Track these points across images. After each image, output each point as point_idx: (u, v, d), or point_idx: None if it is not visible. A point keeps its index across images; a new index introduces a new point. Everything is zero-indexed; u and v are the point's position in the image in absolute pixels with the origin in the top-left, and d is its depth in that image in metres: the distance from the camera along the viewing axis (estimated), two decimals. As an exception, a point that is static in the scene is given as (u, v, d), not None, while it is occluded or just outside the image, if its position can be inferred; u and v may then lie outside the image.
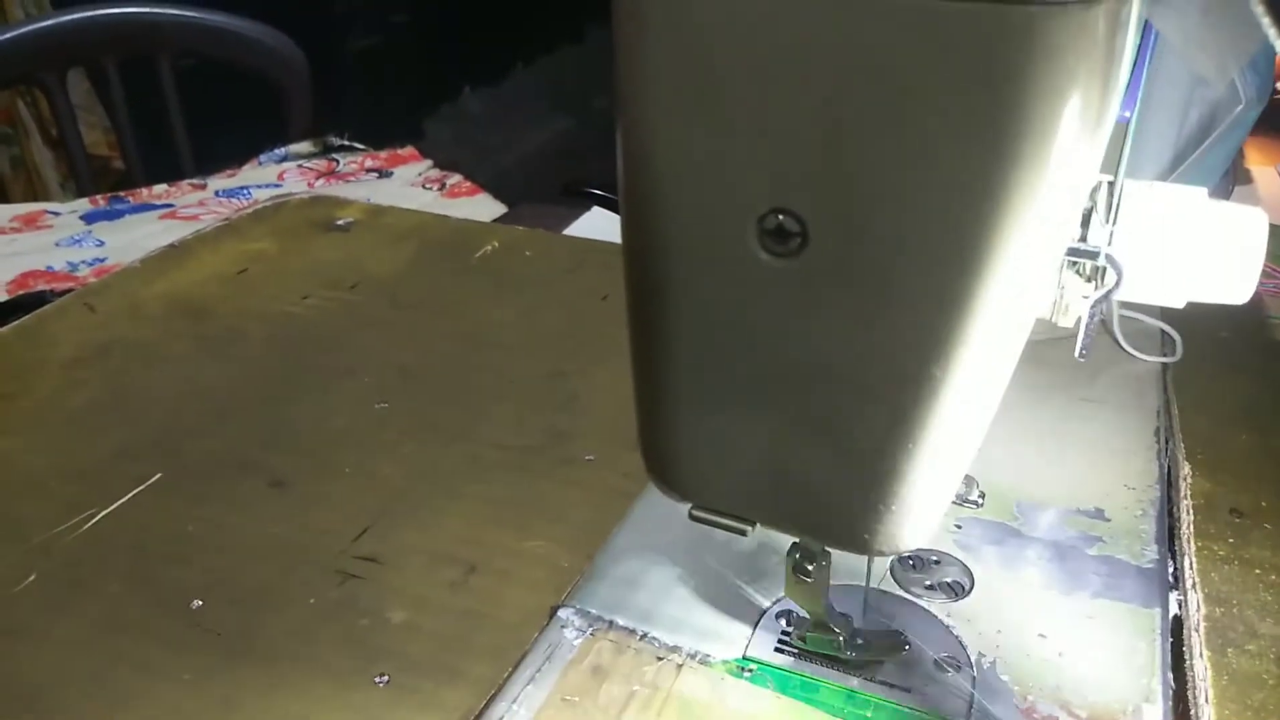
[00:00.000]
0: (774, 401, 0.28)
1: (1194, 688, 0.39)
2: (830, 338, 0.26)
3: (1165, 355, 0.60)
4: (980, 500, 0.35)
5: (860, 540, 0.29)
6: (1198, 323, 0.63)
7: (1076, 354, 0.32)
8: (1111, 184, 0.31)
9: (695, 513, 0.31)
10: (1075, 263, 0.31)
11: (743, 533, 0.30)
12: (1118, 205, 0.30)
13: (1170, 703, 0.39)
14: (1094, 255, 0.30)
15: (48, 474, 0.55)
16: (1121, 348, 0.60)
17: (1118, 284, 0.30)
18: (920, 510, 0.28)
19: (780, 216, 0.25)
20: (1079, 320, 0.32)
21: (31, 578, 0.47)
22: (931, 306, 0.25)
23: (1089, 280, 0.31)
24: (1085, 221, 0.31)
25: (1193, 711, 0.39)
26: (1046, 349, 0.60)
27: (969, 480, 0.35)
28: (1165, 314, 0.63)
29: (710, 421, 0.29)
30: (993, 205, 0.24)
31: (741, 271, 0.26)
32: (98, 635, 0.44)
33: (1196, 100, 0.56)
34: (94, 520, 0.51)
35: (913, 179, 0.24)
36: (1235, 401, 0.56)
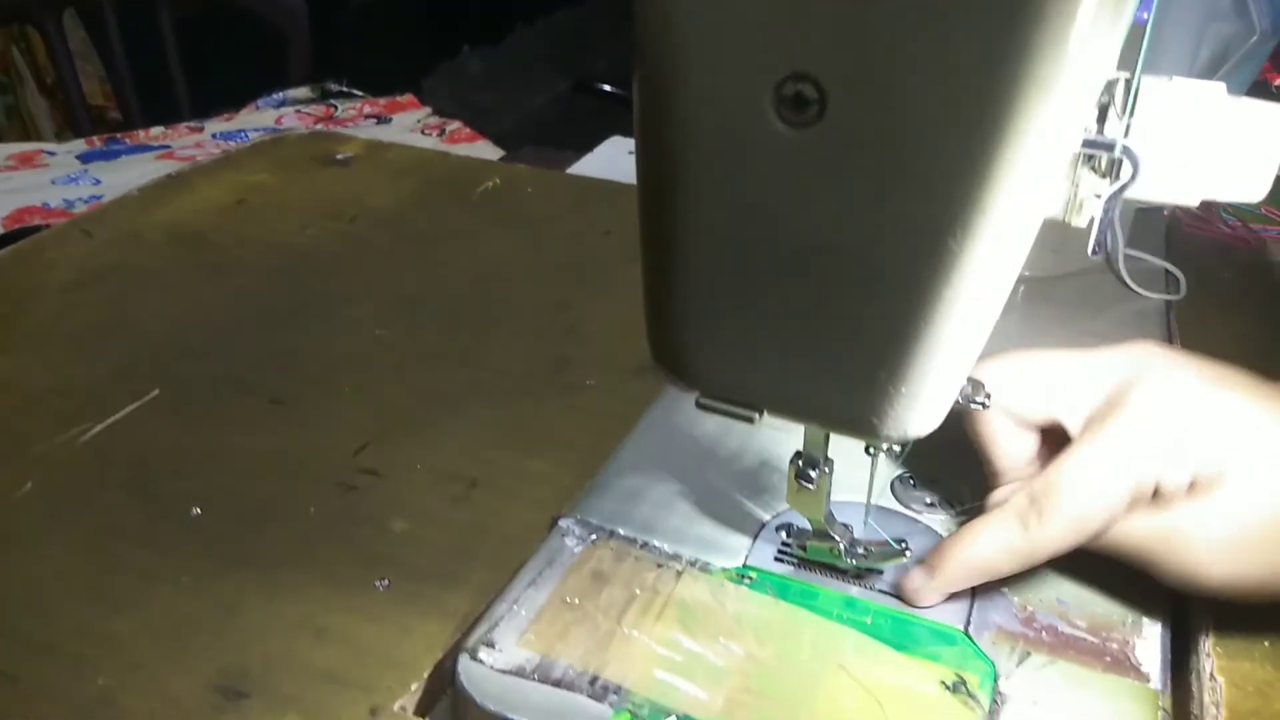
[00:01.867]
0: (786, 282, 0.27)
1: (1194, 605, 0.39)
2: (846, 211, 0.26)
3: (1169, 293, 0.59)
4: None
5: (868, 425, 0.29)
6: (1202, 263, 0.63)
7: (1089, 251, 0.31)
8: (1129, 80, 0.30)
9: (702, 401, 0.31)
10: (1091, 157, 0.31)
11: (749, 420, 0.30)
12: (1135, 98, 0.30)
13: (1168, 617, 0.39)
14: (1110, 147, 0.30)
15: (45, 391, 0.55)
16: (1126, 285, 0.59)
17: (1134, 177, 0.30)
18: (929, 395, 0.28)
19: (798, 84, 0.25)
20: (1091, 220, 0.32)
21: (28, 486, 0.47)
22: (949, 177, 0.25)
23: (1104, 176, 0.31)
24: (1102, 116, 0.30)
25: (1193, 628, 0.39)
26: (1050, 286, 0.60)
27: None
28: (1170, 254, 0.63)
29: (720, 304, 0.29)
30: (1014, 75, 0.23)
31: (757, 143, 0.26)
32: (97, 542, 0.44)
33: (1209, 37, 0.56)
34: (91, 433, 0.51)
35: (933, 50, 0.24)
36: (1237, 339, 0.56)
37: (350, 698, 0.37)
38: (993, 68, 0.24)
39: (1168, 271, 0.61)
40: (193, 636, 0.39)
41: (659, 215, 0.29)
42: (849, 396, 0.29)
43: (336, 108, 1.21)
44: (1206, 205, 0.69)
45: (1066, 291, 0.59)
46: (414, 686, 0.37)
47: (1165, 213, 0.69)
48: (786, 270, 0.27)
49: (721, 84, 0.26)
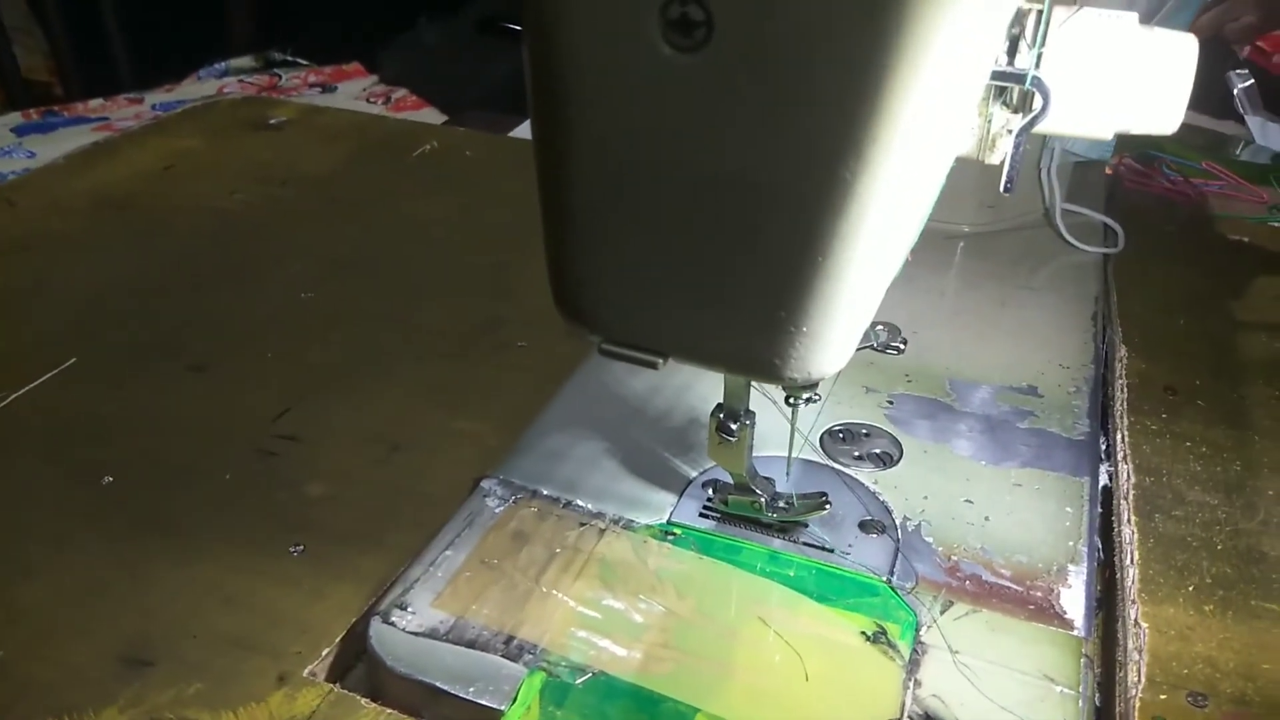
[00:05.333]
0: (680, 216, 0.26)
1: (1120, 550, 0.39)
2: (737, 139, 0.25)
3: (1107, 247, 0.59)
4: (902, 347, 0.34)
5: (770, 367, 0.28)
6: (1142, 217, 0.63)
7: (1001, 188, 0.31)
8: (1040, 12, 0.29)
9: (605, 347, 0.30)
10: (1003, 92, 0.30)
11: (653, 365, 0.29)
12: (1045, 28, 0.29)
13: (1094, 564, 0.39)
14: (1020, 79, 0.29)
15: (-43, 361, 0.53)
16: (1064, 239, 0.59)
17: (1044, 109, 0.29)
18: (832, 335, 0.27)
19: (684, 6, 0.24)
20: (1005, 158, 0.31)
21: (-64, 457, 0.46)
22: (841, 102, 0.24)
23: (1016, 111, 0.30)
24: (1013, 48, 0.30)
25: (1118, 574, 0.38)
26: (988, 241, 0.60)
27: (891, 328, 0.34)
28: (1111, 210, 0.63)
29: (615, 243, 0.28)
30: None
31: (645, 70, 0.25)
32: (6, 509, 0.43)
33: (1144, -14, 0.55)
34: (5, 402, 0.49)
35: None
36: (1174, 289, 0.56)
37: (258, 665, 0.35)
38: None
39: (1106, 225, 0.60)
40: (98, 604, 0.38)
41: (550, 152, 0.28)
42: (749, 337, 0.28)
43: (280, 77, 1.18)
44: (1147, 160, 0.69)
45: (1004, 246, 0.59)
46: (325, 652, 0.36)
47: (1107, 169, 0.69)
48: (679, 204, 0.26)
49: (606, 9, 0.24)
